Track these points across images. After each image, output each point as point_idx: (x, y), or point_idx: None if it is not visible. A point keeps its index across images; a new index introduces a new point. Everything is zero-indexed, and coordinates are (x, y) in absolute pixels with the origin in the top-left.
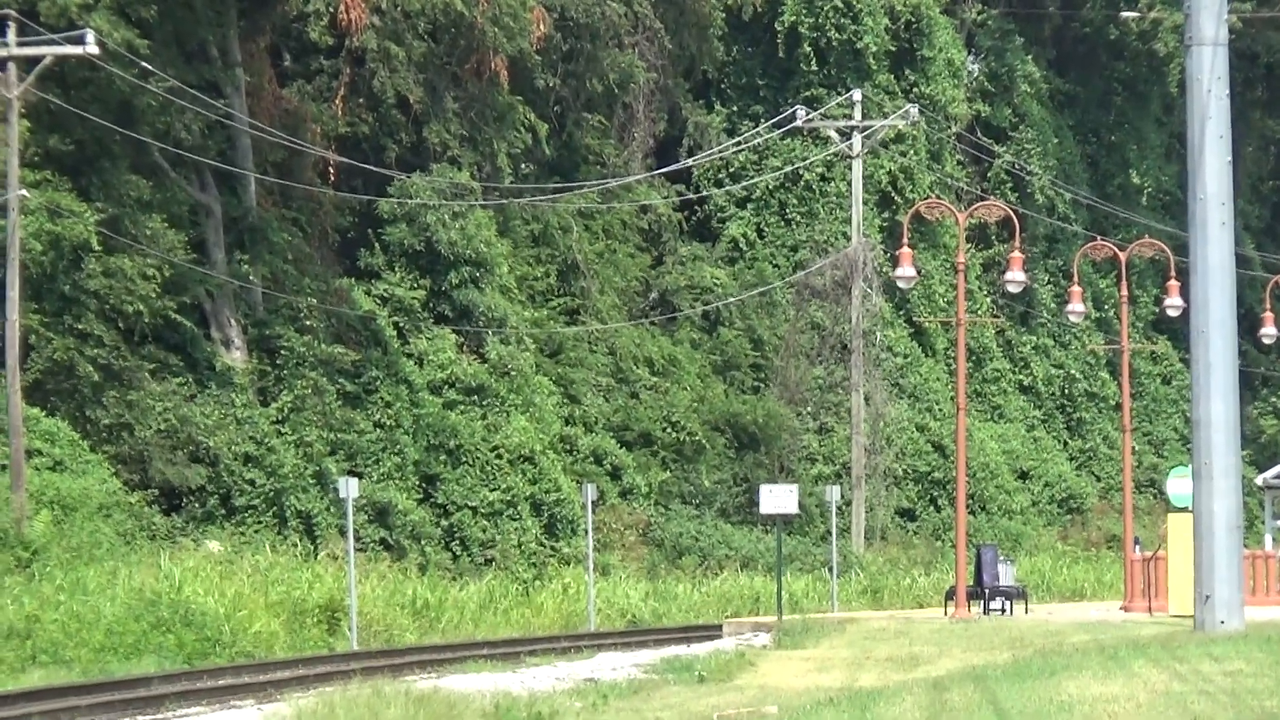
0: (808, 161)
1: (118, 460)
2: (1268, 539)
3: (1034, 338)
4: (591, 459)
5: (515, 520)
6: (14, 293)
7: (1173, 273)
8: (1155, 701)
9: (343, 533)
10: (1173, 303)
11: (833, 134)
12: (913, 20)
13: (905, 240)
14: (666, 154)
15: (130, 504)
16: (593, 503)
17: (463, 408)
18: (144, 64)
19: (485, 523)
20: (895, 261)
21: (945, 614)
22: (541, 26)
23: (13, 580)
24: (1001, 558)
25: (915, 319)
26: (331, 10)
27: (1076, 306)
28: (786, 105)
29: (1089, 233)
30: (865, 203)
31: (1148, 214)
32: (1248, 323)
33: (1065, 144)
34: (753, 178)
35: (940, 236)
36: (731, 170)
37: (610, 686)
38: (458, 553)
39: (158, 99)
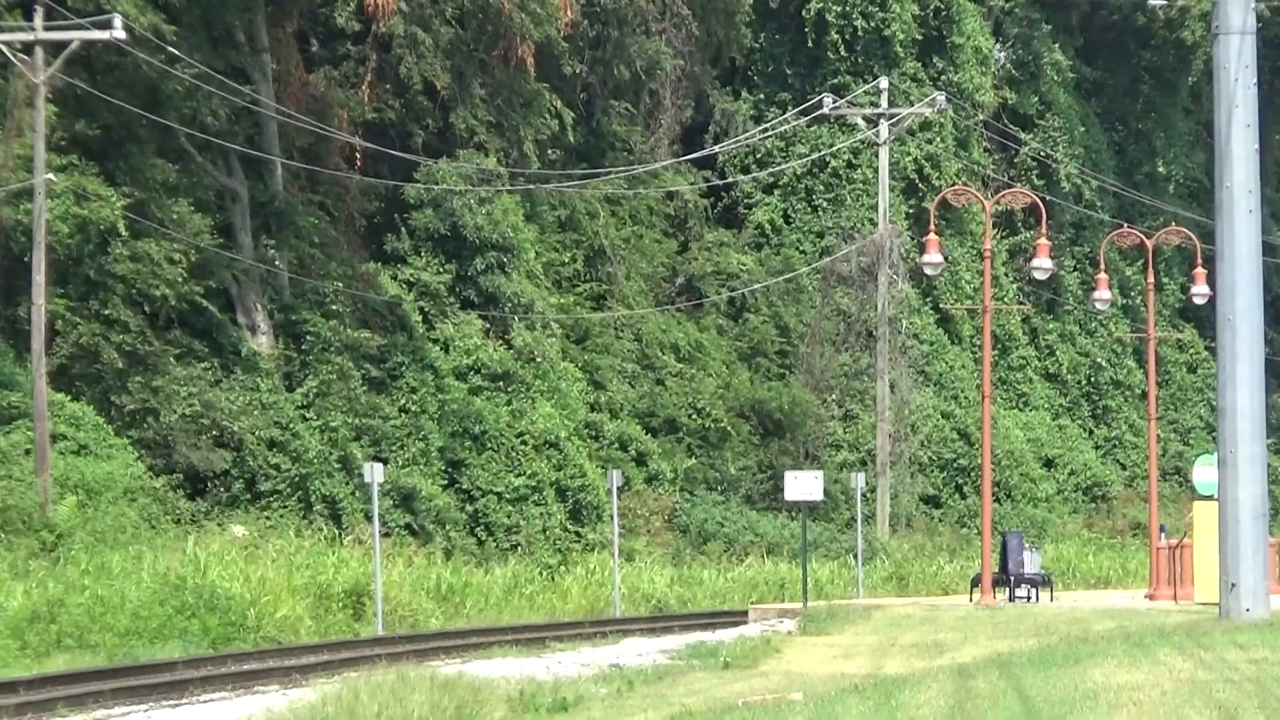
0: (834, 148)
1: (143, 445)
2: None
3: (1060, 325)
4: (617, 445)
5: (540, 506)
6: (40, 277)
7: (1199, 261)
8: (1180, 689)
9: (368, 518)
10: (1199, 291)
11: (859, 121)
12: (941, 7)
13: (932, 227)
14: (693, 140)
15: (155, 488)
16: (618, 489)
17: (488, 393)
18: (171, 49)
19: (510, 508)
20: (921, 248)
21: (970, 601)
22: (569, 13)
23: (38, 564)
24: (1027, 545)
25: (941, 306)
26: None
27: (1103, 294)
28: (814, 92)
29: (1115, 220)
30: (892, 190)
31: (1174, 202)
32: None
33: (1092, 132)
34: (779, 164)
35: (967, 224)
36: (758, 157)
37: (635, 672)
38: (483, 538)
39: (184, 84)
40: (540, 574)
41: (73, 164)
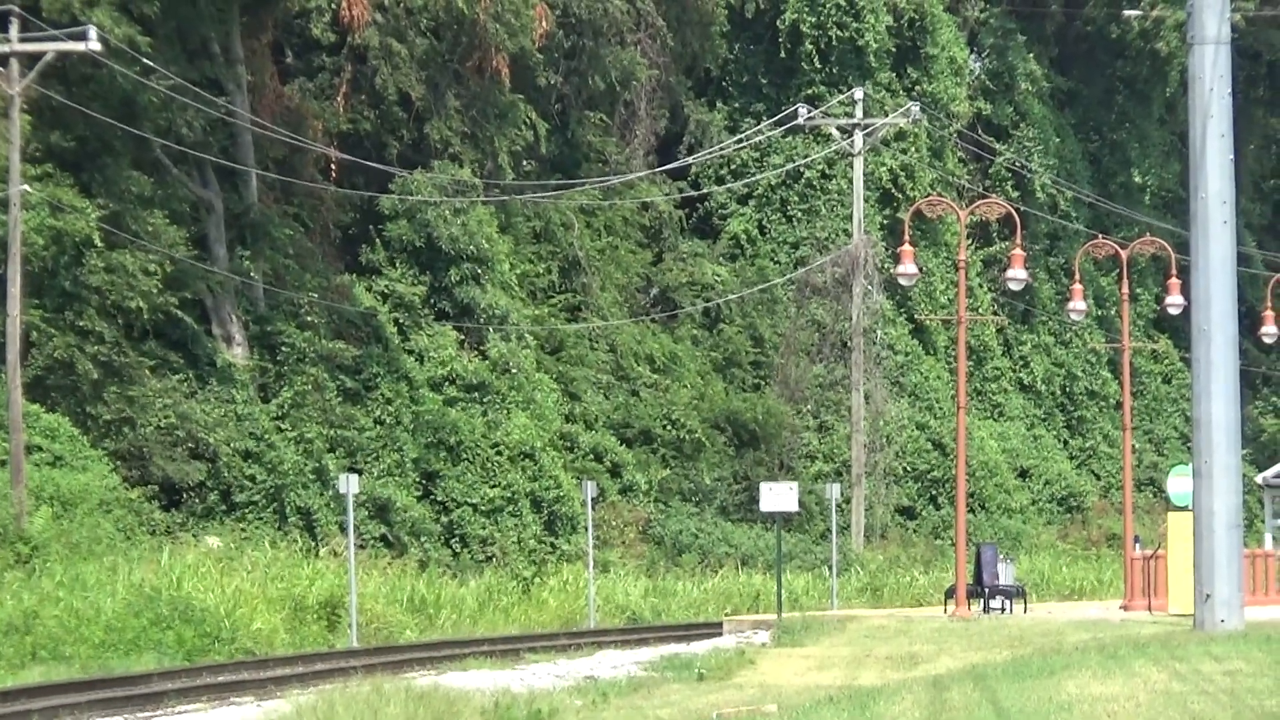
0: (809, 159)
1: (118, 456)
2: (1268, 538)
3: (1035, 336)
4: (592, 456)
5: (515, 517)
6: (15, 288)
7: (1174, 271)
8: (1155, 701)
9: (343, 529)
10: (1174, 301)
11: (834, 131)
12: (915, 18)
13: (906, 238)
14: (668, 151)
15: (130, 500)
16: (593, 500)
17: (463, 404)
18: (146, 60)
19: (485, 520)
20: (896, 259)
21: (945, 612)
22: (544, 24)
23: (12, 576)
24: (1001, 556)
25: (916, 317)
26: (334, 7)
27: (1078, 305)
28: (788, 103)
29: (1090, 231)
30: (866, 200)
31: (1149, 212)
32: (1248, 321)
33: (1067, 142)
34: (754, 175)
35: (941, 234)
36: (733, 167)
37: (610, 684)
38: (458, 550)
39: (160, 95)
40: (515, 585)
41: (48, 175)
